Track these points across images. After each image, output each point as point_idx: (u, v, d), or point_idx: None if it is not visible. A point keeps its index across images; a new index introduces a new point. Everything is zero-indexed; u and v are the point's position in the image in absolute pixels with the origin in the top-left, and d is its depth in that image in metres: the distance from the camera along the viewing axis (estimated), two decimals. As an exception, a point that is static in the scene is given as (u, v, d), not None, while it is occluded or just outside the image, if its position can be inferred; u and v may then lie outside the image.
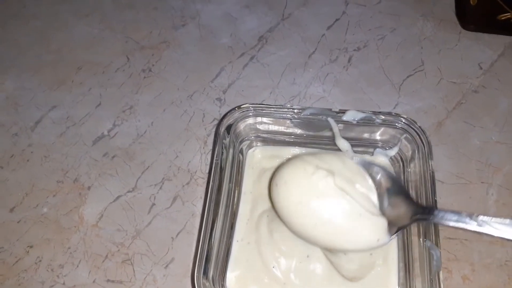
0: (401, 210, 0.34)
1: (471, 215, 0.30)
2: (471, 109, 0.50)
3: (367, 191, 0.35)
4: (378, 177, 0.35)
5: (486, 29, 0.54)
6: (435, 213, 0.32)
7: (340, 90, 0.51)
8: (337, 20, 0.57)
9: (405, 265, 0.38)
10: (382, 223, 0.33)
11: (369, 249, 0.35)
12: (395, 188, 0.35)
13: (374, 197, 0.35)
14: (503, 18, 0.52)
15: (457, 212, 0.30)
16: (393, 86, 0.51)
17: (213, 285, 0.34)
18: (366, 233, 0.33)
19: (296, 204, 0.34)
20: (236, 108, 0.41)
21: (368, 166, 0.36)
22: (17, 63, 0.54)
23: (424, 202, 0.37)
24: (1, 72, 0.53)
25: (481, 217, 0.29)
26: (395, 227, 0.34)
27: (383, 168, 0.36)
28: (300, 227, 0.34)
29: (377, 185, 0.35)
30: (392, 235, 0.33)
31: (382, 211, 0.34)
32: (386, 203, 0.35)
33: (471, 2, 0.52)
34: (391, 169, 0.43)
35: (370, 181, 0.35)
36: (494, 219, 0.29)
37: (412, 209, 0.33)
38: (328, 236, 0.33)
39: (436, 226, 0.35)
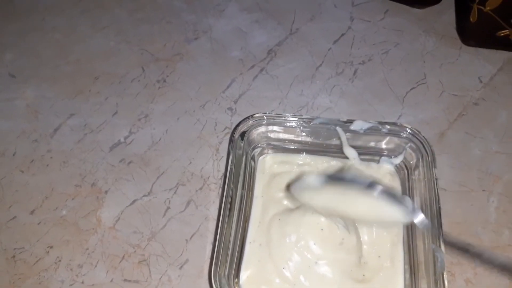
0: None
1: None
2: (472, 120, 0.52)
3: None
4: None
5: (485, 44, 0.56)
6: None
7: (346, 101, 0.54)
8: (343, 35, 0.60)
9: (411, 267, 0.40)
10: None
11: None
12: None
13: None
14: (502, 34, 0.54)
15: None
16: (397, 98, 0.54)
17: (228, 281, 0.36)
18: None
19: None
20: (250, 117, 0.44)
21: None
22: (38, 73, 0.56)
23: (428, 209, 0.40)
24: (23, 81, 0.56)
25: None
26: None
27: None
28: None
29: None
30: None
31: None
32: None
33: (471, 19, 0.54)
34: (396, 176, 0.45)
35: None
36: None
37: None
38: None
39: (440, 230, 0.37)
